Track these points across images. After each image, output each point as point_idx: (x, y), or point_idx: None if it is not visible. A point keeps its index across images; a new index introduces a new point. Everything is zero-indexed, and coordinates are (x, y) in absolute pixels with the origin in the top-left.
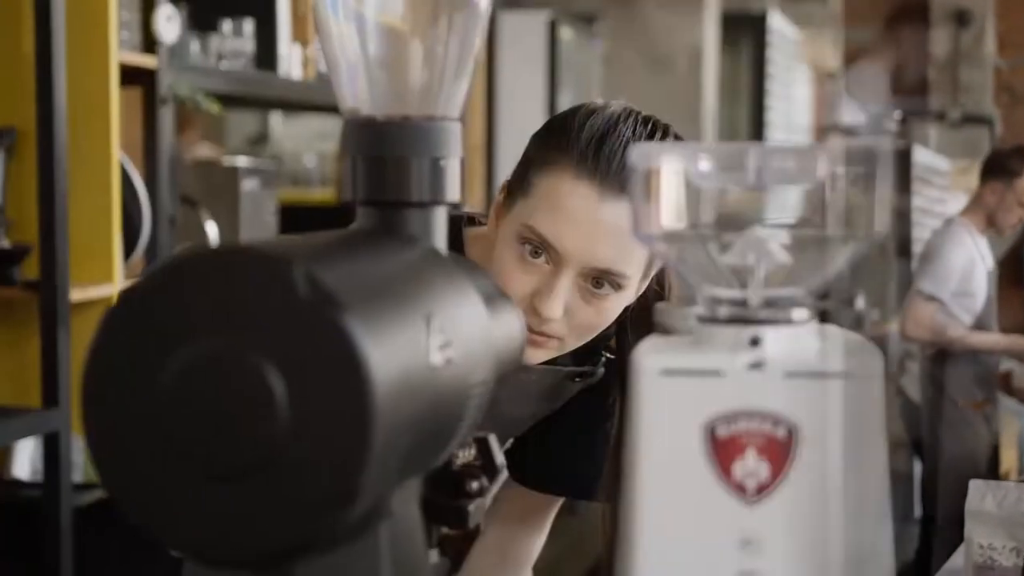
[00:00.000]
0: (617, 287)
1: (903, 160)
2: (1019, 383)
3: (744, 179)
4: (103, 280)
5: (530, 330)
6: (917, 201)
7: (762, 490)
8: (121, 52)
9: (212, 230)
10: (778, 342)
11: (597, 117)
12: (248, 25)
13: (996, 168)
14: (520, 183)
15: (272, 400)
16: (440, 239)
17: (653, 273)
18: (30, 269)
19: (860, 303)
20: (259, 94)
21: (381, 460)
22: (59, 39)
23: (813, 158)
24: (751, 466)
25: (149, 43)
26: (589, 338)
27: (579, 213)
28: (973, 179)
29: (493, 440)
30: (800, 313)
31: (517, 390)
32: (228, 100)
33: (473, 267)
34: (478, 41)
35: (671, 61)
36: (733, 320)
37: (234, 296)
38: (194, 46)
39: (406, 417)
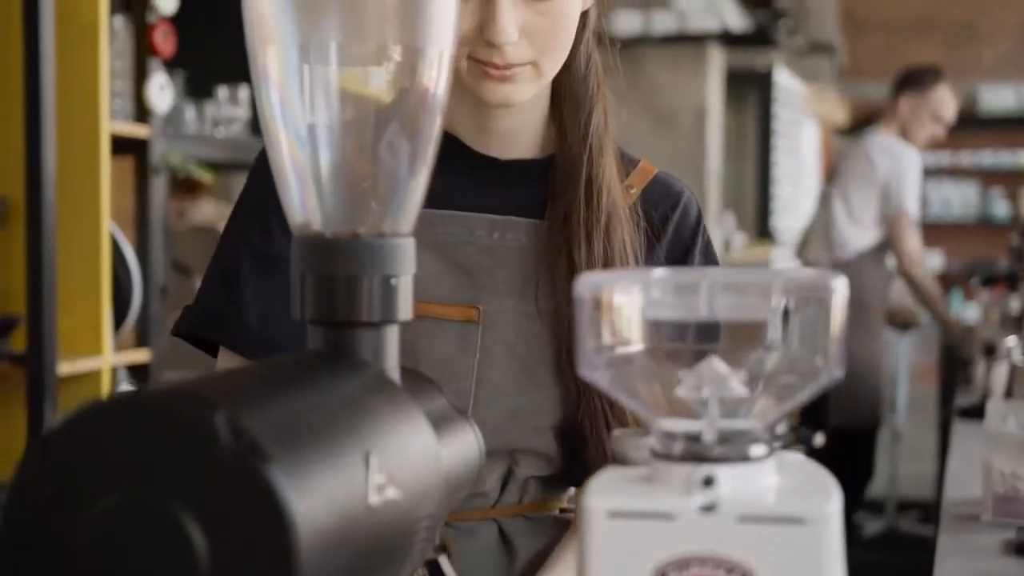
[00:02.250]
0: None
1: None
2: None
3: (695, 309)
4: (92, 353)
5: (496, 67)
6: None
7: None
8: (113, 122)
9: None
10: (734, 481)
11: None
12: (243, 91)
13: (910, 82)
14: None
15: (192, 553)
16: (391, 360)
17: None
18: (18, 341)
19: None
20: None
21: None
22: (49, 109)
23: (767, 289)
24: None
25: (142, 112)
26: (563, 51)
27: None
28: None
29: (444, 562)
30: (757, 449)
31: None
32: (225, 163)
33: (425, 385)
34: (431, 154)
35: (676, 119)
36: (687, 457)
37: (155, 443)
38: (189, 113)
39: (339, 564)
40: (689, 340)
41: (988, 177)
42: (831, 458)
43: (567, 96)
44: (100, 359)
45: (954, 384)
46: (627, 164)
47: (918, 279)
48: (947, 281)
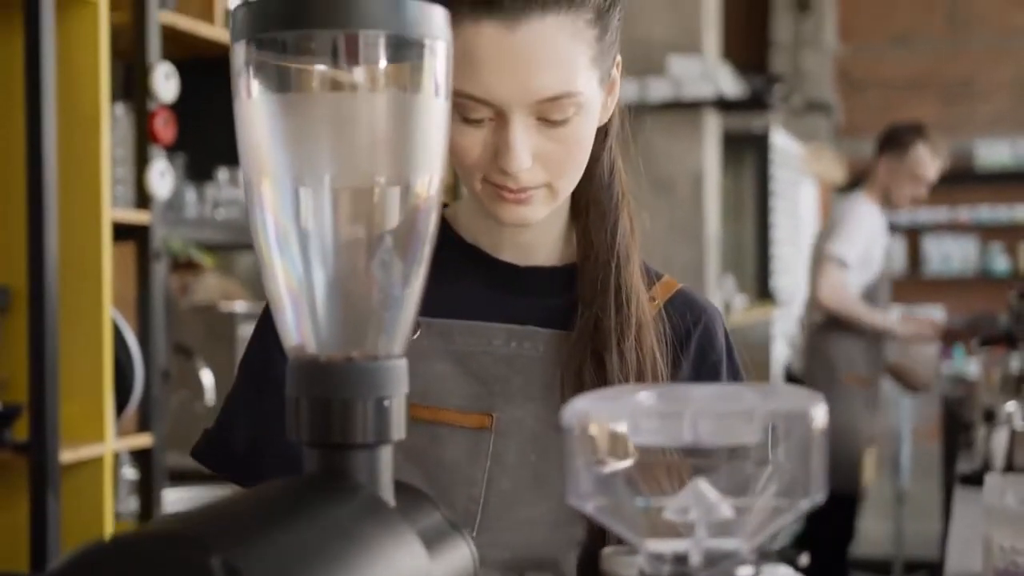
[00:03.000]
0: (575, 109)
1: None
2: (897, 361)
3: (680, 435)
4: (95, 439)
5: (511, 191)
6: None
7: None
8: (115, 209)
9: (208, 379)
10: None
11: None
12: None
13: (889, 142)
14: None
15: None
16: (385, 478)
17: (615, 73)
18: (20, 430)
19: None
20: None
21: None
22: (51, 197)
23: (749, 419)
24: None
25: (143, 198)
26: (578, 172)
27: (491, 53)
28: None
29: None
30: (744, 570)
31: None
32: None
33: (419, 501)
34: (422, 276)
35: (673, 184)
36: None
37: None
38: (190, 195)
39: None
40: (676, 463)
41: (987, 232)
42: (813, 521)
43: (592, 204)
44: (102, 445)
45: (956, 445)
46: (650, 276)
47: (836, 311)
48: (949, 336)
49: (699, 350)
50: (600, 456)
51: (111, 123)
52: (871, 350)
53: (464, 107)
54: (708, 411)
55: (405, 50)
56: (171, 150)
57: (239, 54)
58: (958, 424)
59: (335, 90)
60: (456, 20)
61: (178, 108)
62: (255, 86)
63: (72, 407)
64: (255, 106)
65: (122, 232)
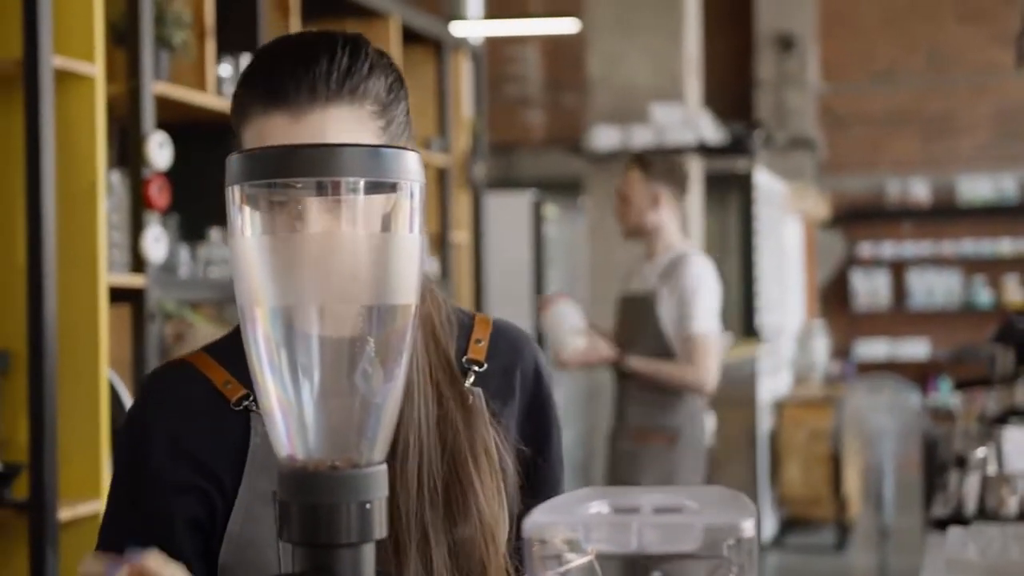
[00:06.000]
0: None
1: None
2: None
3: (628, 545)
4: (92, 497)
5: None
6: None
7: None
8: (111, 274)
9: None
10: None
11: (265, 49)
12: None
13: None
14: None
15: None
16: (368, 573)
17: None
18: (20, 488)
19: None
20: None
21: None
22: (50, 264)
23: (690, 528)
24: None
25: (138, 262)
26: None
27: (278, 142)
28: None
29: None
30: None
31: None
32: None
33: None
34: (400, 390)
35: None
36: None
37: None
38: (183, 255)
39: None
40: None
41: (970, 265)
42: None
43: None
44: (99, 503)
45: (935, 483)
46: (462, 320)
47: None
48: (934, 368)
49: (530, 383)
50: (559, 563)
51: (107, 190)
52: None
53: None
54: (653, 522)
55: (382, 192)
56: (165, 213)
57: (235, 197)
58: (936, 462)
59: (320, 229)
60: (251, 111)
61: (171, 171)
62: (248, 226)
63: (70, 466)
64: (248, 243)
65: (118, 295)
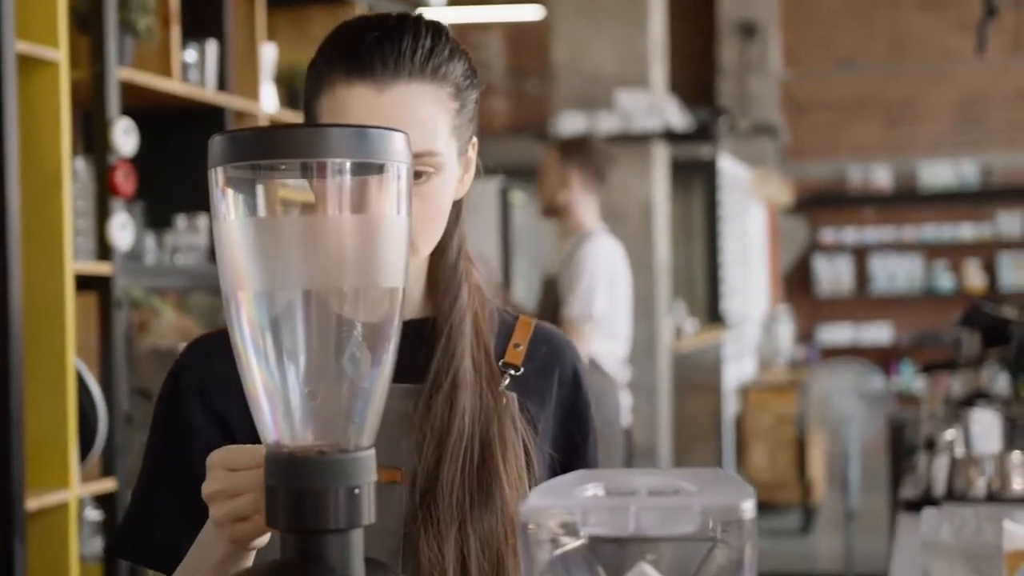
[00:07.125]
0: (435, 168)
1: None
2: None
3: (625, 528)
4: (60, 486)
5: None
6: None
7: None
8: (77, 261)
9: None
10: None
11: (348, 24)
12: (202, 220)
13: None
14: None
15: None
16: (357, 561)
17: (472, 153)
18: None
19: None
20: (214, 286)
21: None
22: (15, 251)
23: (687, 510)
24: None
25: (104, 250)
26: (436, 233)
27: (361, 112)
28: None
29: None
30: None
31: None
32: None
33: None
34: (388, 376)
35: (624, 215)
36: None
37: None
38: (149, 243)
39: None
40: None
41: (931, 251)
42: None
43: (440, 279)
44: (67, 492)
45: (901, 466)
46: (505, 323)
47: None
48: (897, 353)
49: (568, 388)
50: (554, 548)
51: (72, 177)
52: None
53: None
54: (650, 505)
55: (369, 173)
56: (130, 199)
57: (217, 179)
58: (902, 445)
59: (305, 212)
60: (332, 81)
61: (137, 158)
62: (232, 209)
63: (37, 456)
64: (232, 226)
65: (84, 283)
